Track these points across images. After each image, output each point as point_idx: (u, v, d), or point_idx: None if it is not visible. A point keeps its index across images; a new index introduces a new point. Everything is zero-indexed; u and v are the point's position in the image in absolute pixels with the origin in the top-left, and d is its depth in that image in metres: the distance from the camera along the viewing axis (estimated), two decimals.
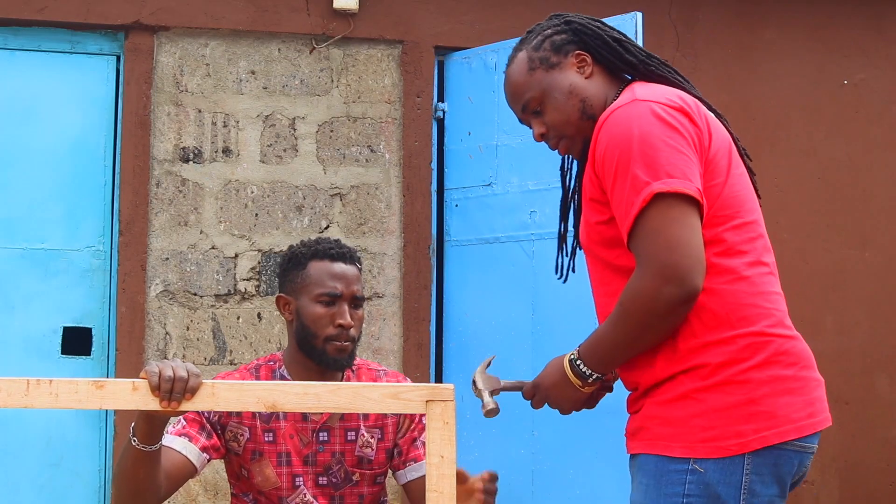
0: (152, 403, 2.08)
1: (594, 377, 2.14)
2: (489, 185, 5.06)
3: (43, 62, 4.94)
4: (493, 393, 2.32)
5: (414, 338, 5.07)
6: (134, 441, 2.27)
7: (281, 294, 2.72)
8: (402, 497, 5.03)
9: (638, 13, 4.61)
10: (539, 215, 4.88)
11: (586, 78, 2.25)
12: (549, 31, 2.30)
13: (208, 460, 2.57)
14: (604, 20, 2.34)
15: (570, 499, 4.75)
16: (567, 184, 2.45)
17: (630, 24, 4.59)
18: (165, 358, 4.86)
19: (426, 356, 5.09)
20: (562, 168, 2.45)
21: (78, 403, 2.11)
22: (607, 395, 2.31)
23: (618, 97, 2.20)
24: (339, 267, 2.67)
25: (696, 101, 2.17)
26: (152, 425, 2.22)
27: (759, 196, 2.22)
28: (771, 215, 5.48)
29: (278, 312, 4.89)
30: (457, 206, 5.19)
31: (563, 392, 2.18)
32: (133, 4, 4.93)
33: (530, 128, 2.33)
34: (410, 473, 2.67)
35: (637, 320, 2.03)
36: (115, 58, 5.00)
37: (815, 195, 5.45)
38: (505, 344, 4.91)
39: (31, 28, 4.92)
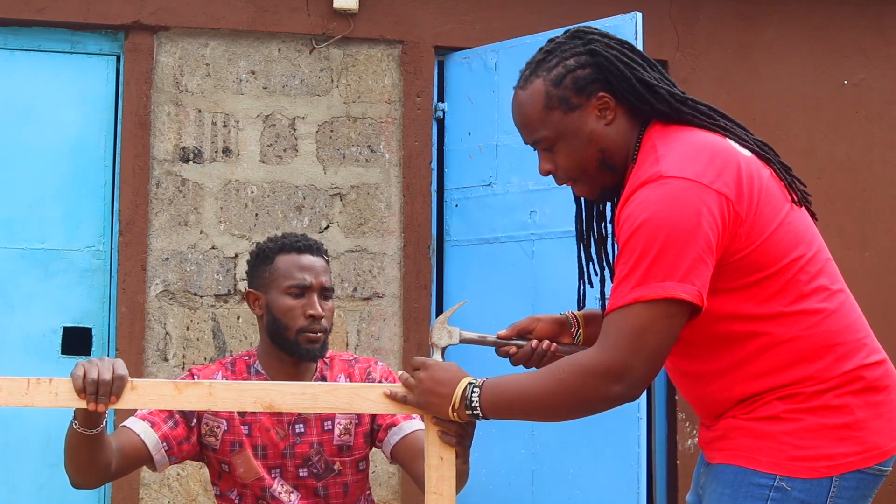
0: (82, 402, 2.12)
1: (476, 414, 2.03)
2: (489, 185, 5.06)
3: (43, 62, 4.94)
4: (447, 347, 2.25)
5: (414, 338, 5.07)
6: (74, 424, 2.29)
7: (250, 290, 2.73)
8: (401, 493, 5.02)
9: (638, 13, 4.61)
10: (539, 215, 4.88)
11: (607, 124, 2.07)
12: (572, 61, 2.07)
13: (168, 452, 2.56)
14: (630, 44, 2.13)
15: (570, 499, 4.75)
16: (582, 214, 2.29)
17: (630, 25, 4.59)
18: (164, 353, 4.87)
19: (426, 356, 5.09)
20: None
21: (77, 402, 2.12)
22: None
23: (640, 143, 2.07)
24: (307, 259, 2.68)
25: (731, 150, 2.01)
26: (89, 413, 2.23)
27: (814, 217, 2.14)
28: None
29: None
30: (457, 206, 5.19)
31: (436, 398, 2.07)
32: (133, 4, 4.93)
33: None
34: (393, 438, 2.66)
35: (570, 398, 1.96)
36: (115, 58, 5.00)
37: (815, 195, 5.43)
38: None
39: (31, 28, 4.92)
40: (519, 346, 2.26)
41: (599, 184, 2.12)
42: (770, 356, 1.98)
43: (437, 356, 2.23)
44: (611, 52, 2.07)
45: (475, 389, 2.03)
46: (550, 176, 2.16)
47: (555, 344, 2.26)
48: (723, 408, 2.06)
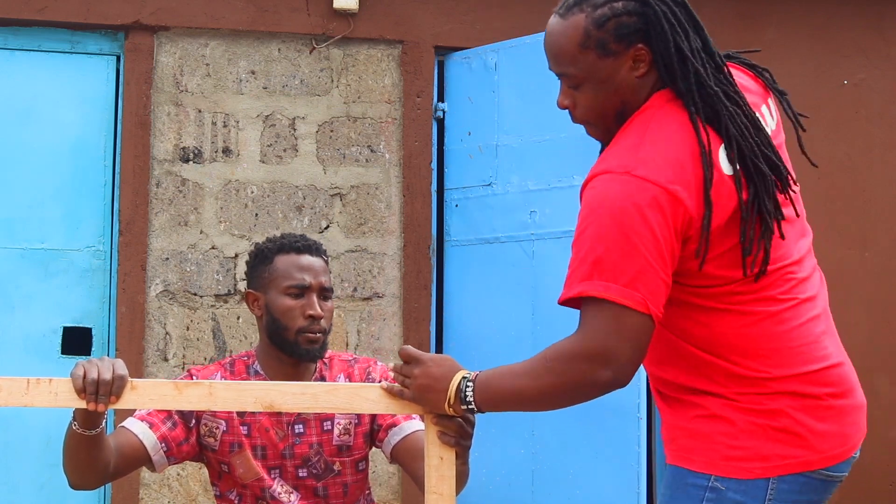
0: (82, 402, 2.11)
1: (472, 409, 2.04)
2: (489, 185, 5.05)
3: (43, 62, 4.94)
4: None
5: (414, 338, 5.07)
6: (74, 424, 2.29)
7: (249, 290, 2.73)
8: (401, 493, 5.02)
9: None
10: (539, 215, 4.87)
11: (637, 77, 1.99)
12: (620, 5, 1.97)
13: (167, 452, 2.56)
14: (684, 2, 2.01)
15: (570, 499, 4.74)
16: None
17: None
18: (164, 353, 4.87)
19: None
20: None
21: (77, 402, 2.12)
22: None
23: (648, 100, 2.00)
24: (306, 259, 2.68)
25: (713, 160, 1.92)
26: (89, 413, 2.23)
27: (800, 212, 2.06)
28: None
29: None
30: (457, 206, 5.19)
31: (432, 394, 2.05)
32: (133, 4, 4.93)
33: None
34: (393, 438, 2.65)
35: (558, 385, 1.95)
36: (115, 58, 5.00)
37: (815, 195, 5.44)
38: (505, 344, 4.91)
39: (31, 28, 4.92)
40: None
41: (613, 133, 2.05)
42: (707, 345, 1.96)
43: None
44: (662, 6, 1.97)
45: (469, 384, 2.02)
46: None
47: None
48: (661, 380, 2.05)
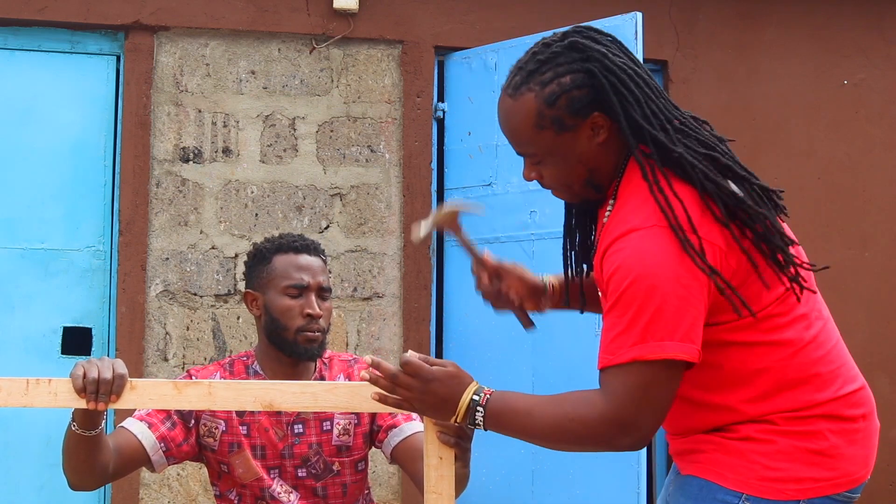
0: (82, 401, 2.11)
1: (478, 428, 2.00)
2: (489, 185, 5.05)
3: (43, 62, 4.94)
4: (438, 227, 2.27)
5: (414, 338, 5.07)
6: (73, 425, 2.29)
7: (248, 290, 2.73)
8: (401, 493, 5.02)
9: (638, 13, 4.61)
10: (539, 215, 4.88)
11: (599, 143, 1.97)
12: (568, 79, 1.93)
13: (166, 452, 2.56)
14: (632, 66, 1.97)
15: (570, 499, 4.74)
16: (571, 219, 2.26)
17: (630, 25, 4.59)
18: (164, 353, 4.87)
19: (425, 355, 5.08)
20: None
21: (77, 402, 2.12)
22: None
23: (626, 165, 1.98)
24: (304, 259, 2.68)
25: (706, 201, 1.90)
26: (88, 413, 2.23)
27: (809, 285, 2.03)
28: None
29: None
30: None
31: (437, 413, 2.01)
32: (133, 4, 4.93)
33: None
34: (394, 439, 2.65)
35: (573, 440, 1.94)
36: (115, 58, 5.00)
37: (815, 195, 5.45)
38: (505, 344, 4.91)
39: (31, 28, 4.92)
40: (491, 282, 2.31)
41: (581, 197, 2.07)
42: (745, 385, 1.95)
43: (423, 225, 2.25)
44: (609, 78, 1.93)
45: (479, 411, 1.98)
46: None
47: (519, 301, 2.31)
48: (692, 429, 2.03)
